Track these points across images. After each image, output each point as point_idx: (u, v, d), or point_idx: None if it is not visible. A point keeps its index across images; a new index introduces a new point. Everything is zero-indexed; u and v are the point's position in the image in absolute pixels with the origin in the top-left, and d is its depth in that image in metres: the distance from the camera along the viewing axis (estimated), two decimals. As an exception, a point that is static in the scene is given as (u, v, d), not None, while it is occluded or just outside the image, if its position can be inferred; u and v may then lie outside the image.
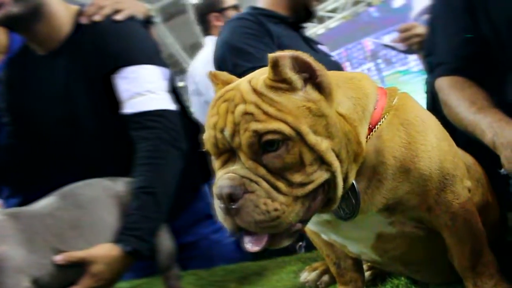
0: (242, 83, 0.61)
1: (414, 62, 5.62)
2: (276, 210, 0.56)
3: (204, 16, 2.47)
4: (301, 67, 0.59)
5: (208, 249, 1.47)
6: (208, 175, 1.50)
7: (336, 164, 0.59)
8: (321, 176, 0.58)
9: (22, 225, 0.90)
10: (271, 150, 0.57)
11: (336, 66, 1.63)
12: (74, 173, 1.10)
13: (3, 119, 1.39)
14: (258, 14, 1.56)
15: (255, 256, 1.39)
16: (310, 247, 1.24)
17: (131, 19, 1.31)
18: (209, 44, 2.26)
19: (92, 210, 1.01)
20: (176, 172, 1.18)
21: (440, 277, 0.79)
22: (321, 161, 0.58)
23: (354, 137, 0.62)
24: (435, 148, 0.66)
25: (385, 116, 0.66)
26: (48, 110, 1.31)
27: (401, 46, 1.76)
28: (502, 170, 0.95)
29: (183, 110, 1.46)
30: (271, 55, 0.58)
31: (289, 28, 1.61)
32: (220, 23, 2.33)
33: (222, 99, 0.61)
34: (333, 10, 8.82)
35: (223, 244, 1.49)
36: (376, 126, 0.65)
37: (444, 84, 1.13)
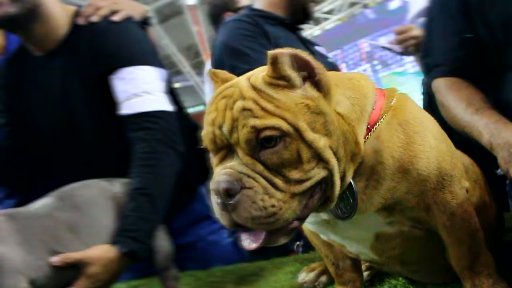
0: (241, 80, 0.62)
1: (410, 63, 5.65)
2: (273, 206, 0.56)
3: (218, 15, 2.47)
4: (300, 65, 0.60)
5: (205, 250, 1.47)
6: (205, 176, 1.50)
7: (333, 161, 0.59)
8: (318, 173, 0.58)
9: (19, 226, 0.90)
10: (269, 146, 0.57)
11: (333, 67, 1.64)
12: (71, 174, 1.10)
13: (-1, 120, 1.39)
14: (255, 15, 1.57)
15: (252, 257, 1.39)
16: (307, 247, 1.25)
17: (128, 20, 1.31)
18: None
19: (89, 211, 1.00)
20: (173, 173, 1.18)
21: (438, 277, 0.79)
22: (319, 158, 0.58)
23: (352, 136, 0.62)
24: (433, 149, 0.66)
25: (384, 117, 0.66)
26: (45, 111, 1.31)
27: (397, 48, 1.77)
28: (499, 171, 0.96)
29: (180, 111, 1.45)
30: (270, 52, 0.58)
31: (286, 29, 1.61)
32: None
33: (221, 95, 0.61)
34: (329, 12, 8.85)
35: (221, 245, 1.49)
36: (375, 126, 0.65)
37: (441, 85, 1.14)
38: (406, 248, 0.72)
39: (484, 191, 0.81)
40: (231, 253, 1.49)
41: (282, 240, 0.60)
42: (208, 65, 2.29)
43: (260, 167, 0.57)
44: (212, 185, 0.58)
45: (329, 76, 0.62)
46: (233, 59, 1.41)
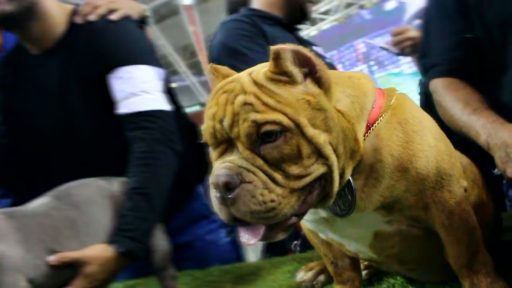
0: (243, 76, 0.62)
1: (407, 64, 5.67)
2: (272, 201, 0.56)
3: (237, 10, 2.47)
4: (302, 61, 0.60)
5: (203, 250, 1.46)
6: (203, 175, 1.50)
7: (333, 157, 0.59)
8: (318, 169, 0.58)
9: (18, 224, 0.89)
10: (269, 141, 0.57)
11: (331, 67, 1.64)
12: (69, 173, 1.09)
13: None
14: (253, 15, 1.57)
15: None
16: (305, 246, 1.25)
17: (126, 19, 1.31)
18: None
19: (87, 210, 1.00)
20: (171, 173, 1.17)
21: (436, 276, 0.79)
22: (319, 154, 0.58)
23: (352, 134, 0.62)
24: (432, 148, 0.66)
25: (383, 115, 0.66)
26: (42, 110, 1.30)
27: (394, 48, 1.78)
28: (496, 171, 0.96)
29: (178, 110, 1.45)
30: (273, 48, 0.58)
31: (284, 29, 1.62)
32: None
33: (222, 90, 0.61)
34: (326, 12, 8.87)
35: (218, 245, 1.49)
36: (374, 125, 0.65)
37: (438, 85, 1.14)
38: (405, 246, 0.72)
39: (482, 191, 0.82)
40: (229, 252, 1.48)
41: (281, 236, 0.60)
42: None
43: (260, 162, 0.57)
44: (211, 178, 0.58)
45: (329, 74, 0.62)
46: (231, 59, 1.41)
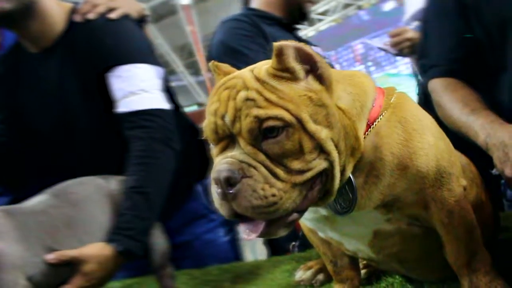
0: (245, 72, 0.62)
1: (404, 65, 5.69)
2: (273, 195, 0.56)
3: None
4: (304, 58, 0.60)
5: (201, 249, 1.46)
6: (202, 174, 1.50)
7: (334, 153, 0.59)
8: (319, 164, 0.59)
9: (17, 222, 0.89)
10: (271, 136, 0.57)
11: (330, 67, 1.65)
12: (67, 172, 1.09)
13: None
14: (253, 15, 1.57)
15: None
16: (304, 247, 1.25)
17: (125, 17, 1.30)
18: None
19: (85, 209, 1.00)
20: (169, 172, 1.17)
21: (435, 275, 0.79)
22: (320, 149, 0.59)
23: (352, 131, 0.63)
24: (432, 146, 0.67)
25: (383, 114, 0.67)
26: (41, 108, 1.30)
27: (392, 49, 1.79)
28: (494, 171, 0.97)
29: (177, 110, 1.45)
30: (276, 44, 0.59)
31: (283, 29, 1.62)
32: None
33: (224, 86, 0.61)
34: (324, 13, 8.89)
35: (217, 244, 1.49)
36: (374, 123, 0.66)
37: (437, 86, 1.14)
38: (404, 245, 0.72)
39: (480, 190, 0.82)
40: (227, 251, 1.48)
41: (281, 232, 0.60)
42: None
43: (261, 157, 0.57)
44: (212, 174, 0.58)
45: (331, 71, 0.62)
46: (231, 58, 1.41)
